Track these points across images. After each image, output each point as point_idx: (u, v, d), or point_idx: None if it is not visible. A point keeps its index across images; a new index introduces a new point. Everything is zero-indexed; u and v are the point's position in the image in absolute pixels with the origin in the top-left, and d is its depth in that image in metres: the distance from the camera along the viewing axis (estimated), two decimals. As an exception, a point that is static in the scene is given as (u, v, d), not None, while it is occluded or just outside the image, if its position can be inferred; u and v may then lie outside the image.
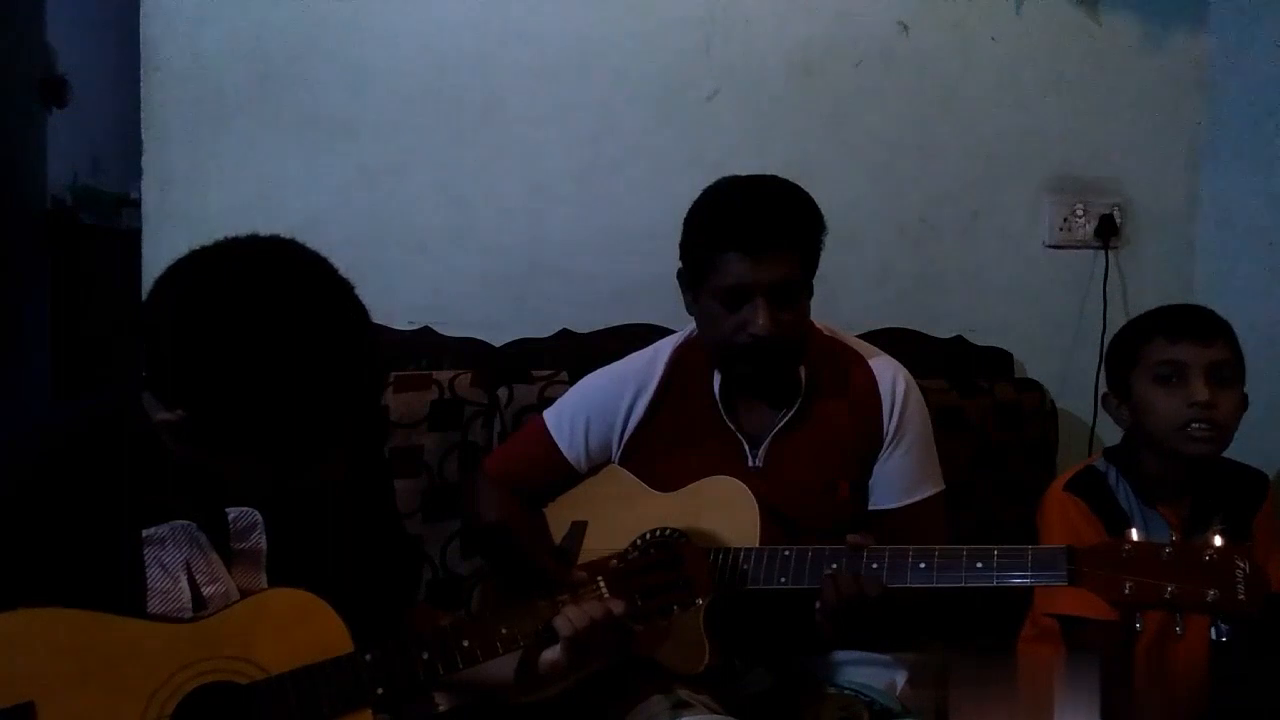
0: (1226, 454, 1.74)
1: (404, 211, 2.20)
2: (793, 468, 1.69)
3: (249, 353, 1.08)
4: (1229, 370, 1.70)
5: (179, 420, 1.12)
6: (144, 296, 1.99)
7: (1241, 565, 1.26)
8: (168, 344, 1.11)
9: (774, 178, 1.67)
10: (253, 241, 1.16)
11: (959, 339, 2.38)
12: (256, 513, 1.27)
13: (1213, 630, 1.34)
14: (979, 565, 1.41)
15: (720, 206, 1.64)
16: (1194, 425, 1.67)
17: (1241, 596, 1.25)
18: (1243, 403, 1.73)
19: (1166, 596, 1.28)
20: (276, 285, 1.12)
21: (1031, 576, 1.39)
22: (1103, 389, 1.88)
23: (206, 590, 1.23)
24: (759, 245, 1.58)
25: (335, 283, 1.17)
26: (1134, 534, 1.34)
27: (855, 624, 1.50)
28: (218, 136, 2.13)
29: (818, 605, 1.50)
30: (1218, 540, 1.29)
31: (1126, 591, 1.30)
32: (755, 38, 2.29)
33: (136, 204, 2.19)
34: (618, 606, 1.32)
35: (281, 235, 1.17)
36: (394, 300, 2.13)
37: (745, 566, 1.55)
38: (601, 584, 1.34)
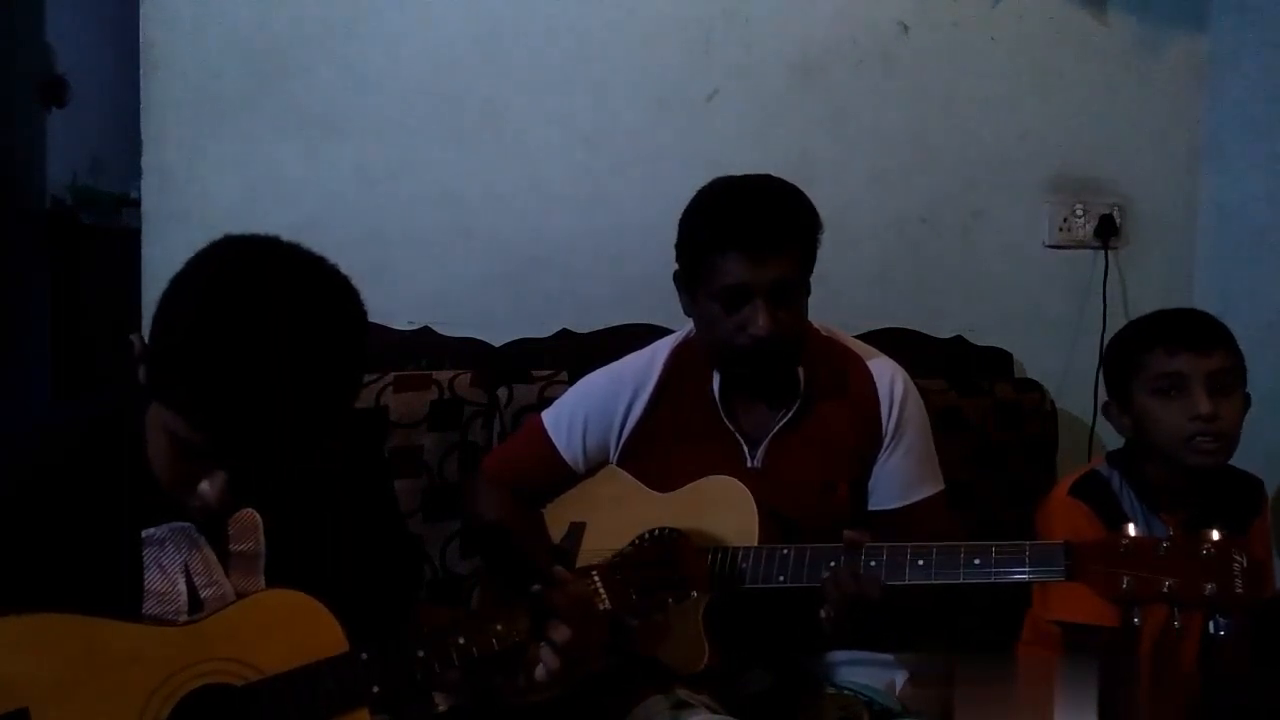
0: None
1: (404, 211, 2.20)
2: (791, 468, 1.69)
3: (259, 357, 1.08)
4: (1229, 377, 1.68)
5: (185, 427, 1.11)
6: (143, 296, 2.02)
7: (1239, 559, 1.26)
8: (179, 353, 1.10)
9: (769, 177, 1.67)
10: (254, 247, 1.16)
11: (959, 339, 2.38)
12: (256, 515, 1.27)
13: (1210, 624, 1.34)
14: (977, 561, 1.41)
15: (717, 207, 1.64)
16: (1198, 438, 1.65)
17: (1239, 590, 1.25)
18: (1245, 404, 1.72)
19: (1164, 590, 1.28)
20: (285, 292, 1.11)
21: (1030, 572, 1.39)
22: (1102, 391, 1.87)
23: (204, 593, 1.23)
24: (757, 245, 1.58)
25: (339, 285, 1.17)
26: (1131, 529, 1.34)
27: (858, 622, 1.50)
28: (218, 136, 2.13)
29: (821, 610, 1.50)
30: (1215, 534, 1.28)
31: (1124, 586, 1.30)
32: (755, 38, 2.29)
33: (136, 204, 2.19)
34: (613, 602, 1.32)
35: (280, 236, 1.17)
36: (394, 300, 2.13)
37: (744, 565, 1.55)
38: (596, 579, 1.34)
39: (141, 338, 1.14)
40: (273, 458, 1.14)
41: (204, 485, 1.15)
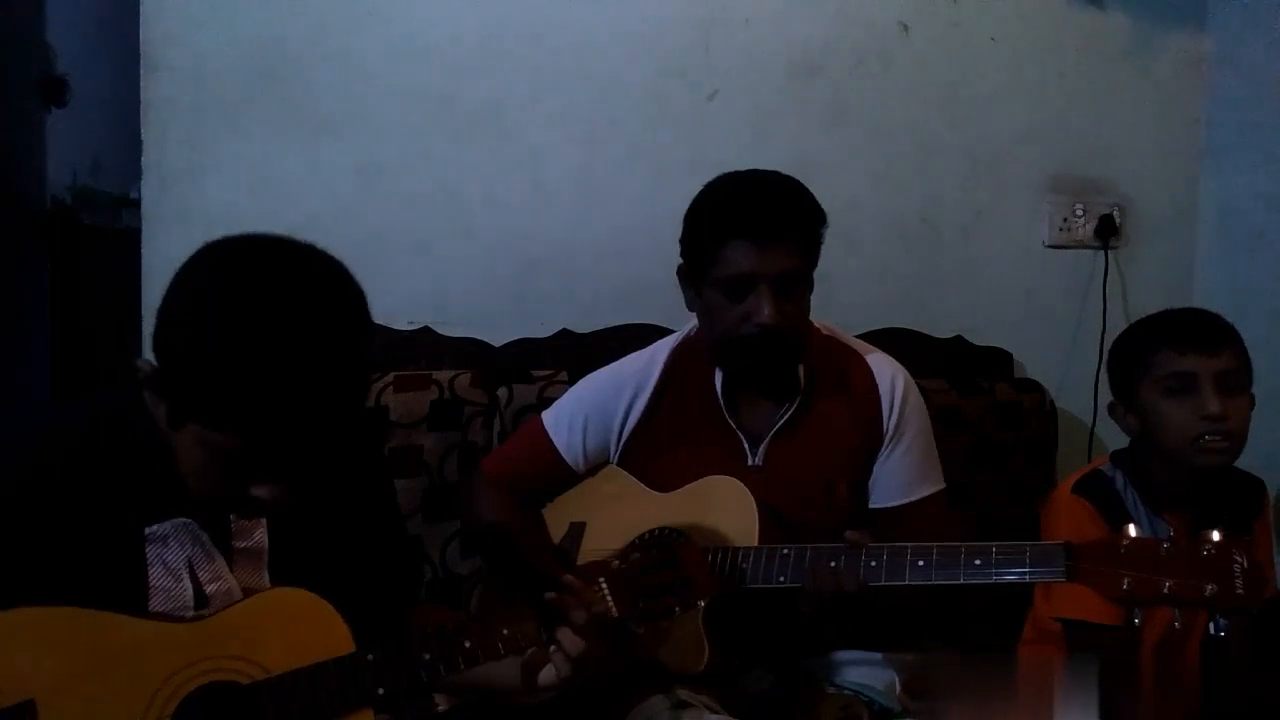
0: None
1: (404, 211, 2.20)
2: (792, 467, 1.69)
3: (266, 360, 1.07)
4: (1238, 378, 1.68)
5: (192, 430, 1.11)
6: (143, 296, 2.02)
7: (1239, 560, 1.25)
8: (185, 356, 1.09)
9: (775, 172, 1.68)
10: (262, 244, 1.15)
11: (958, 339, 2.38)
12: (258, 512, 1.27)
13: (1211, 625, 1.34)
14: (977, 562, 1.41)
15: (725, 198, 1.65)
16: (1207, 438, 1.65)
17: (1240, 591, 1.25)
18: (1251, 405, 1.72)
19: (1165, 591, 1.27)
20: (299, 287, 1.11)
21: (1030, 572, 1.39)
22: (1103, 389, 1.87)
23: (209, 589, 1.23)
24: (764, 234, 1.58)
25: (345, 275, 1.17)
26: (1131, 530, 1.34)
27: (838, 617, 1.50)
28: (218, 136, 2.13)
29: (802, 604, 1.51)
30: (1215, 535, 1.28)
31: (1125, 587, 1.29)
32: (755, 38, 2.29)
33: (136, 204, 2.19)
34: (620, 609, 1.32)
35: (283, 234, 1.17)
36: (394, 300, 2.12)
37: (744, 565, 1.55)
38: (604, 587, 1.33)
39: (149, 362, 1.12)
40: (309, 453, 1.14)
41: (259, 489, 1.15)
